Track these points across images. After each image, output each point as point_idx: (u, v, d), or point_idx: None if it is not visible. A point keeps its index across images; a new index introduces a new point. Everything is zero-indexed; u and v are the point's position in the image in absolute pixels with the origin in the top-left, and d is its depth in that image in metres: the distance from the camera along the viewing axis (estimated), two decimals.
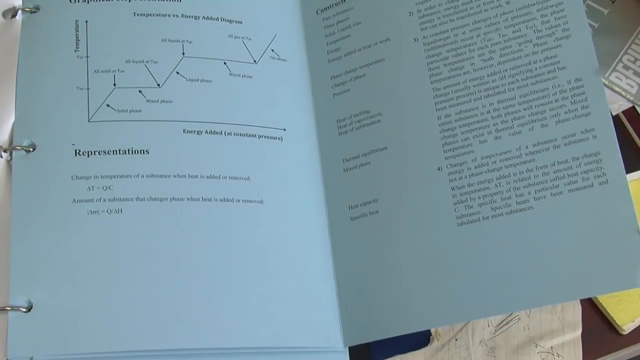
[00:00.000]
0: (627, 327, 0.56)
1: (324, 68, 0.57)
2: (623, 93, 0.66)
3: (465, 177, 0.51)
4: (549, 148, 0.51)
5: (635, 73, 0.66)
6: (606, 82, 0.66)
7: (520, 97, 0.52)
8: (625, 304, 0.56)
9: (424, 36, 0.55)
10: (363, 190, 0.53)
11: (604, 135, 0.50)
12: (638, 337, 0.57)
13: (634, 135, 0.64)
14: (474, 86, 0.53)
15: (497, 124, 0.52)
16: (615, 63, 0.67)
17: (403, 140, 0.53)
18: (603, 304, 0.56)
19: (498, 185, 0.51)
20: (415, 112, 0.54)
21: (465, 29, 0.54)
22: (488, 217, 0.50)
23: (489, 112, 0.52)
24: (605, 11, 0.69)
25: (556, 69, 0.52)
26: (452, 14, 0.55)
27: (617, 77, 0.66)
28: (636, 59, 0.67)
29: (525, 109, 0.52)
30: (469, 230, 0.51)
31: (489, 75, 0.53)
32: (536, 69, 0.52)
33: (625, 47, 0.67)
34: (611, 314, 0.56)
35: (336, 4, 0.58)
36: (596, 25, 0.68)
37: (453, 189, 0.51)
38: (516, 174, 0.51)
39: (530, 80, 0.52)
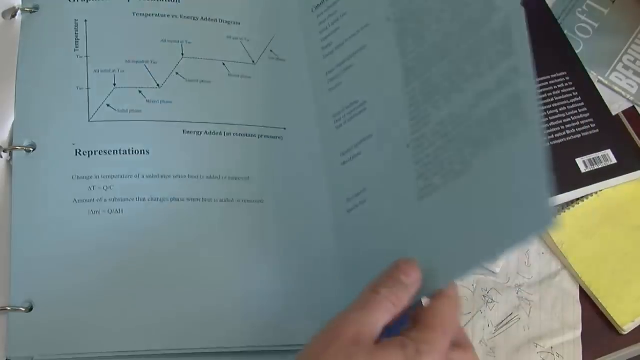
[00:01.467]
0: (627, 327, 0.56)
1: (321, 64, 0.57)
2: (623, 93, 0.66)
3: (425, 148, 0.48)
4: (483, 98, 0.45)
5: (635, 73, 0.66)
6: (606, 82, 0.66)
7: (465, 51, 0.47)
8: (625, 304, 0.56)
9: (393, 12, 0.53)
10: (356, 182, 0.53)
11: (526, 75, 0.43)
12: (638, 337, 0.57)
13: (634, 135, 0.64)
14: (431, 53, 0.49)
15: (447, 86, 0.48)
16: (615, 63, 0.67)
17: (382, 124, 0.52)
18: (603, 304, 0.56)
19: (446, 150, 0.46)
20: (390, 94, 0.52)
21: None
22: (439, 186, 0.46)
23: (442, 75, 0.49)
24: (605, 11, 0.69)
25: (491, 11, 0.46)
26: None
27: (617, 77, 0.66)
28: (636, 59, 0.67)
29: (468, 64, 0.47)
30: (427, 203, 0.47)
31: (442, 38, 0.49)
32: (477, 17, 0.47)
33: (625, 47, 0.67)
34: (611, 314, 0.56)
35: None
36: (596, 25, 0.68)
37: (416, 163, 0.48)
38: (460, 135, 0.46)
39: (472, 30, 0.47)
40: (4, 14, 0.52)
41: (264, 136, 0.53)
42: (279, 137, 0.54)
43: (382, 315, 0.41)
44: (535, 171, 0.40)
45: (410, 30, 0.51)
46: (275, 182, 0.53)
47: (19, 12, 0.52)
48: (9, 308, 0.46)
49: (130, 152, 0.50)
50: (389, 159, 0.50)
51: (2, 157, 0.49)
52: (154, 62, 0.53)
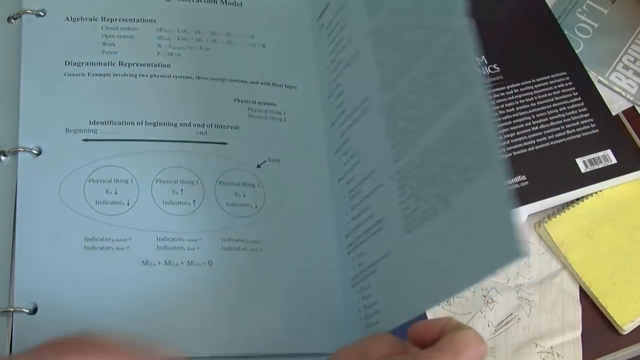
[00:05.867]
0: (627, 327, 0.56)
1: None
2: (623, 93, 0.66)
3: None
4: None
5: (635, 73, 0.66)
6: (606, 82, 0.66)
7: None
8: (625, 304, 0.56)
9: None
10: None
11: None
12: (638, 337, 0.57)
13: (634, 135, 0.64)
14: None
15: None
16: (615, 63, 0.67)
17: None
18: (603, 304, 0.57)
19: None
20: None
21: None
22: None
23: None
24: (605, 11, 0.69)
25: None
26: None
27: (617, 77, 0.66)
28: (636, 59, 0.67)
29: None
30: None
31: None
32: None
33: (625, 47, 0.67)
34: (611, 314, 0.56)
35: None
36: (596, 25, 0.68)
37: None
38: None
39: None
40: (7, 17, 0.52)
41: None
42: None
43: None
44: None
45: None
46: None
47: (24, 14, 0.52)
48: (12, 309, 0.46)
49: None
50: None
51: (6, 156, 0.49)
52: None
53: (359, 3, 0.52)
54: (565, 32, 0.67)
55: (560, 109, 0.62)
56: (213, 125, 0.52)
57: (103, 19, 0.53)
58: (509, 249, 0.39)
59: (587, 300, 0.58)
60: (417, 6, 0.46)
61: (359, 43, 0.52)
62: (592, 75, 0.65)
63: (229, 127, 0.53)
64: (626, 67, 0.66)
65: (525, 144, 0.61)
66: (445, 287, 0.44)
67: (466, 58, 0.42)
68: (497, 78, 0.63)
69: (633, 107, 0.65)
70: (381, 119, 0.48)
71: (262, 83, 0.55)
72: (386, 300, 0.48)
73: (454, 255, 0.43)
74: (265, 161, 0.52)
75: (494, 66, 0.64)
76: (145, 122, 0.51)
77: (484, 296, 0.58)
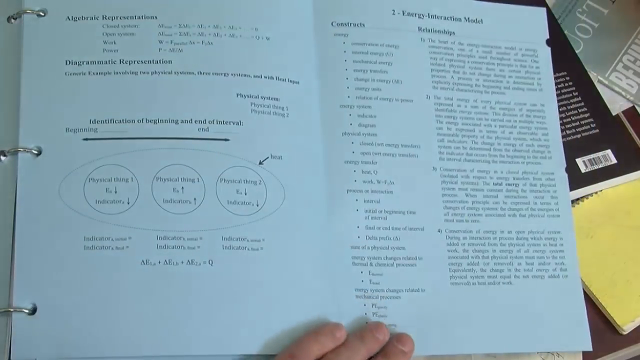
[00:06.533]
0: (627, 327, 0.56)
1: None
2: (623, 93, 0.66)
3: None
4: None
5: (635, 73, 0.67)
6: (606, 82, 0.66)
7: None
8: (625, 304, 0.57)
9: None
10: None
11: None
12: (638, 337, 0.57)
13: (634, 135, 0.64)
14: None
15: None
16: (615, 63, 0.67)
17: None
18: (603, 304, 0.57)
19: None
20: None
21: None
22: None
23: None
24: (605, 11, 0.69)
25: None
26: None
27: (617, 77, 0.66)
28: (636, 59, 0.67)
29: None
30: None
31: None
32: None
33: (625, 47, 0.67)
34: (611, 314, 0.56)
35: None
36: (596, 25, 0.68)
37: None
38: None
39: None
40: (8, 17, 0.52)
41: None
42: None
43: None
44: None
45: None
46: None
47: (24, 14, 0.52)
48: (11, 309, 0.46)
49: None
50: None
51: (6, 156, 0.49)
52: None
53: (423, 68, 0.58)
54: (565, 32, 0.67)
55: (560, 109, 0.62)
56: (215, 122, 0.52)
57: (104, 17, 0.53)
58: (579, 339, 0.54)
59: (587, 300, 0.57)
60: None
61: (415, 95, 0.58)
62: (592, 75, 0.65)
63: (232, 123, 0.52)
64: (626, 67, 0.67)
65: None
66: (489, 343, 0.53)
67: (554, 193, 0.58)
68: None
69: (633, 107, 0.66)
70: (436, 178, 0.56)
71: (265, 77, 0.54)
72: (406, 328, 0.52)
73: (509, 320, 0.54)
74: (267, 158, 0.52)
75: None
76: (146, 119, 0.51)
77: None
